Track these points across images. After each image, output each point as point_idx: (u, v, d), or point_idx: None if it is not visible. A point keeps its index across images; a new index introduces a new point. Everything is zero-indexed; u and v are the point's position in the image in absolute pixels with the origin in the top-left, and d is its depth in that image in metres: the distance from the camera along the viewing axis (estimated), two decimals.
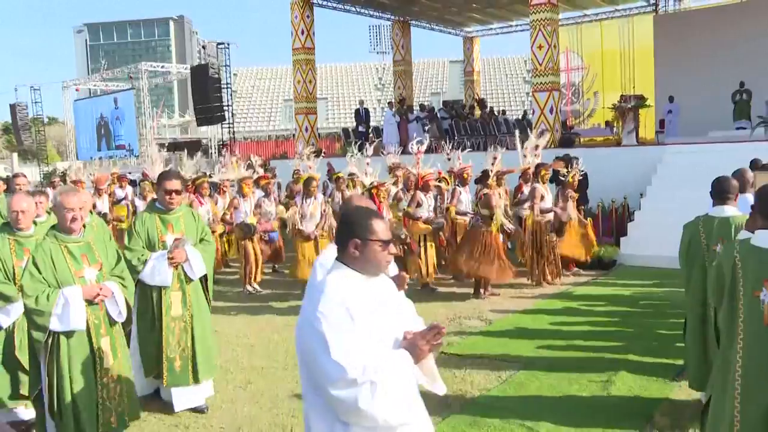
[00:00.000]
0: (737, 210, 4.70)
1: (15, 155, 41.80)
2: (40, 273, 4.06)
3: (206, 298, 5.47)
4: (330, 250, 3.30)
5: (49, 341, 4.08)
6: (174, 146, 32.60)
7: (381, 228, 2.58)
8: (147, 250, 5.22)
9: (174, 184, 5.32)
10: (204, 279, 5.42)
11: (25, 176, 8.34)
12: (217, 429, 5.06)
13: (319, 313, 2.37)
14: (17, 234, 4.75)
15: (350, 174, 11.03)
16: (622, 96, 16.83)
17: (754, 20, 19.82)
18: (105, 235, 5.33)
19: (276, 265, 11.65)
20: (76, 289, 4.12)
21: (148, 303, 5.26)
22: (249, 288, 10.08)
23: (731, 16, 20.51)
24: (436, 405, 5.28)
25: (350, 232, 2.56)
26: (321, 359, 2.34)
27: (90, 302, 4.16)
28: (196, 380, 5.28)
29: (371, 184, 9.33)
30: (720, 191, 4.72)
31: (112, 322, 4.33)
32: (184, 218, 5.46)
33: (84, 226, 4.36)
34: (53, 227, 4.30)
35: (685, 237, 4.95)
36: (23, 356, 4.65)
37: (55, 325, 4.03)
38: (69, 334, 4.10)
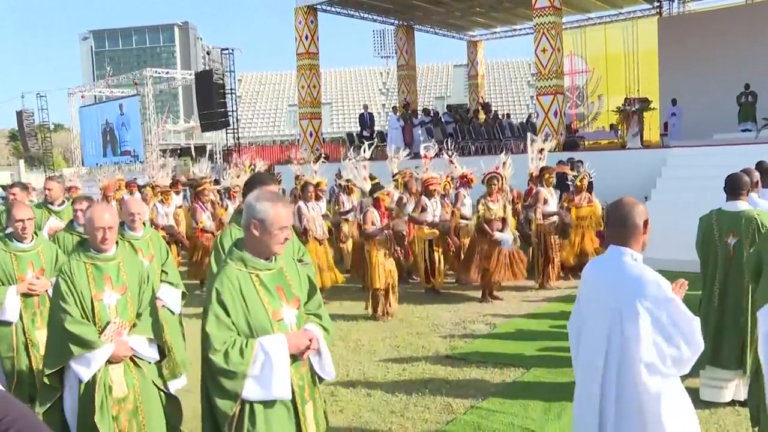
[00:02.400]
0: (749, 205, 5.01)
1: (21, 162, 41.99)
2: (228, 315, 2.84)
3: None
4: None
5: (236, 413, 2.86)
6: (177, 152, 32.70)
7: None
8: None
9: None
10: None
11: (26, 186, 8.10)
12: None
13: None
14: (96, 257, 3.73)
15: (347, 180, 11.10)
16: (626, 99, 16.83)
17: (758, 22, 19.79)
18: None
19: None
20: (280, 340, 2.89)
21: None
22: None
23: (735, 19, 20.49)
24: (441, 409, 5.29)
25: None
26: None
27: (293, 357, 2.94)
28: None
29: (373, 190, 9.32)
30: (733, 187, 5.02)
31: (315, 382, 3.14)
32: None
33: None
34: (238, 251, 3.02)
35: (700, 229, 5.26)
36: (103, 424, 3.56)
37: (251, 391, 2.83)
38: (268, 404, 2.88)
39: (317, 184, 10.85)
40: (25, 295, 4.85)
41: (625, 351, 2.80)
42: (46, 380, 3.64)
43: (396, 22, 24.97)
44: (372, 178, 9.85)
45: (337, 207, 11.83)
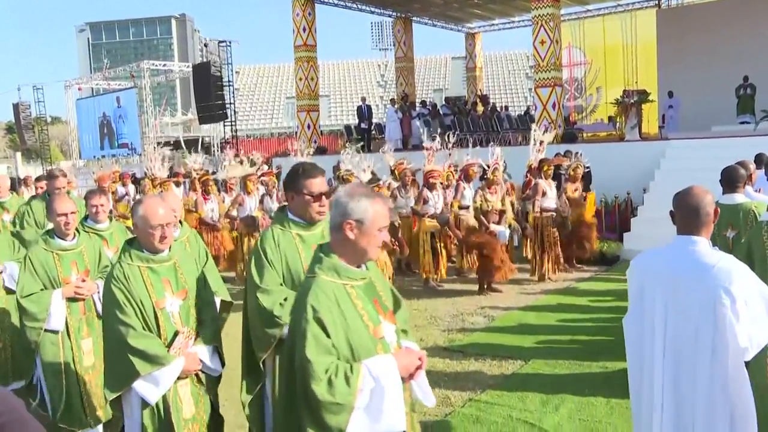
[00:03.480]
0: (745, 197, 5.00)
1: (18, 155, 41.85)
2: (328, 336, 2.43)
3: None
4: None
5: None
6: (173, 144, 32.61)
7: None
8: None
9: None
10: None
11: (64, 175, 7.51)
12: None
13: None
14: (152, 258, 3.29)
15: (347, 170, 11.07)
16: (624, 91, 16.82)
17: (757, 14, 19.74)
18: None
19: None
20: (389, 362, 2.51)
21: None
22: None
23: (735, 11, 20.42)
24: (439, 401, 5.28)
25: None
26: None
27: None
28: None
29: (369, 182, 9.31)
30: (729, 180, 5.00)
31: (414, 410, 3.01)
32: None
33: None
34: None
35: None
36: None
37: (359, 425, 2.48)
38: None
39: None
40: (70, 300, 4.39)
41: (721, 340, 2.76)
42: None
43: (394, 13, 24.88)
44: (372, 173, 9.85)
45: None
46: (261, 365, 3.40)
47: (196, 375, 3.32)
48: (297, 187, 3.38)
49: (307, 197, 3.36)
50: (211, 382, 3.43)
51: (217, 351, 3.42)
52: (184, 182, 13.01)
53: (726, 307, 2.73)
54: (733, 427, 2.80)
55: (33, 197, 7.74)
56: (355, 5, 23.21)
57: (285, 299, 3.25)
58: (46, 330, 4.27)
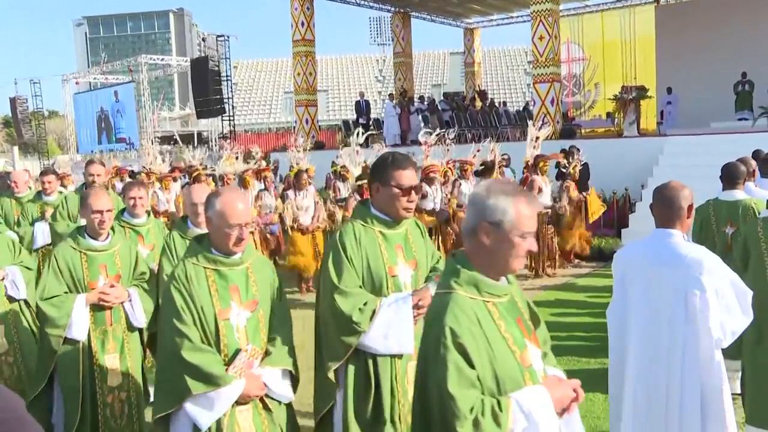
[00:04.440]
0: (745, 194, 5.01)
1: (15, 149, 41.76)
2: (472, 367, 2.06)
3: None
4: None
5: None
6: (170, 139, 32.56)
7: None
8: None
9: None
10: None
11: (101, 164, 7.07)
12: None
13: None
14: (223, 261, 2.88)
15: (342, 166, 11.08)
16: (623, 87, 16.78)
17: (756, 11, 19.73)
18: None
19: (276, 258, 11.64)
20: (542, 396, 2.16)
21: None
22: None
23: (733, 7, 20.40)
24: None
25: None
26: None
27: None
28: None
29: (359, 177, 9.31)
30: (730, 176, 5.02)
31: None
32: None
33: None
34: None
35: (697, 220, 5.21)
36: None
37: None
38: None
39: (305, 171, 10.83)
40: (95, 308, 3.86)
41: (691, 328, 2.90)
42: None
43: (392, 8, 24.84)
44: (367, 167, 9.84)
45: (333, 194, 11.81)
46: (332, 376, 3.04)
47: (261, 401, 2.86)
48: (384, 178, 3.02)
49: (395, 190, 3.00)
50: (280, 410, 2.95)
51: (290, 375, 2.97)
52: (183, 177, 12.98)
53: (696, 296, 2.87)
54: (704, 411, 2.94)
55: (38, 193, 7.45)
56: (353, 0, 23.15)
57: (365, 303, 2.95)
58: (66, 340, 3.79)
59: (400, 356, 3.05)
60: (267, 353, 2.89)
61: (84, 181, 6.52)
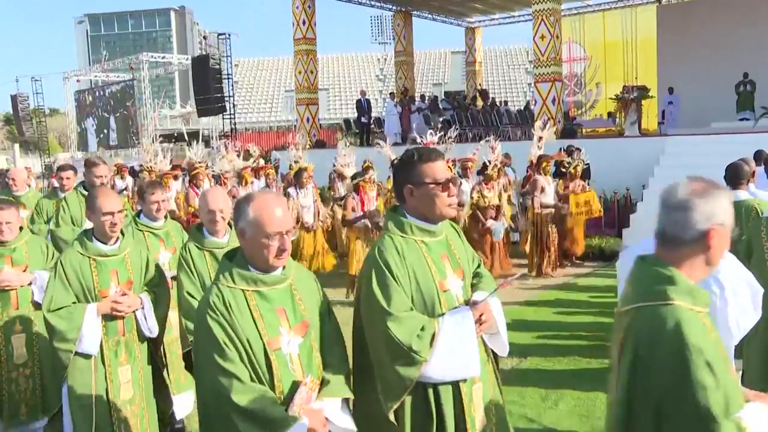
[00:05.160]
0: (748, 194, 5.04)
1: (16, 146, 41.79)
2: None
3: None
4: None
5: None
6: (171, 137, 32.55)
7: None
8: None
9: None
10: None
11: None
12: None
13: None
14: (263, 279, 2.45)
15: (341, 164, 11.10)
16: (624, 87, 16.78)
17: (758, 11, 19.72)
18: None
19: None
20: None
21: None
22: None
23: (735, 7, 20.39)
24: None
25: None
26: None
27: None
28: None
29: (354, 176, 9.34)
30: (733, 176, 5.04)
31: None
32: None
33: None
34: None
35: None
36: None
37: None
38: None
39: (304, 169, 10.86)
40: (106, 317, 3.61)
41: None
42: None
43: (393, 7, 24.81)
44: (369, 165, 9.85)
45: (332, 192, 11.82)
46: (392, 417, 2.61)
47: None
48: (415, 177, 2.66)
49: (432, 186, 2.65)
50: None
51: (347, 403, 2.58)
52: (183, 175, 12.97)
53: (716, 295, 2.87)
54: None
55: (54, 190, 6.97)
56: None
57: (422, 328, 2.56)
58: (76, 353, 3.53)
59: (464, 380, 2.69)
60: (324, 381, 2.49)
61: (82, 181, 6.07)
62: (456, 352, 2.59)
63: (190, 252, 3.94)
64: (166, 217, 4.73)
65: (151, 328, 3.74)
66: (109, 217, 3.56)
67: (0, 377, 4.51)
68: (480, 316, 2.68)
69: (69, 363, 3.53)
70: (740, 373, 4.61)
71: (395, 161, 2.88)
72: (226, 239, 3.98)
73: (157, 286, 3.85)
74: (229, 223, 3.95)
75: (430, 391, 2.63)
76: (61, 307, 3.52)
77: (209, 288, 2.45)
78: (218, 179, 11.82)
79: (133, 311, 3.66)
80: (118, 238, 3.71)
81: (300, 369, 2.42)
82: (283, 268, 2.48)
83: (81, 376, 3.55)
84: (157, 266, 3.99)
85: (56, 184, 6.84)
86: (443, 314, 2.63)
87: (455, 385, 2.66)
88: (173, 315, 4.19)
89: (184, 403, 4.58)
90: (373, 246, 2.71)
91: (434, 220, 2.73)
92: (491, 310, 2.74)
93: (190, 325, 3.59)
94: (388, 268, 2.58)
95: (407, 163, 2.71)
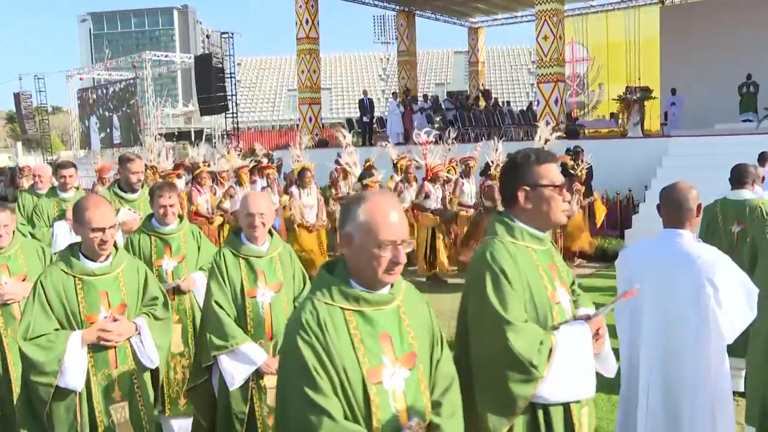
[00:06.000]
0: (753, 194, 5.10)
1: (19, 144, 41.89)
2: None
3: None
4: None
5: None
6: (173, 136, 32.61)
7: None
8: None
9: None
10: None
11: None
12: None
13: None
14: (368, 298, 2.03)
15: (347, 163, 11.10)
16: (627, 87, 16.77)
17: (761, 12, 19.68)
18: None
19: None
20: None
21: None
22: None
23: (738, 8, 20.36)
24: None
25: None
26: None
27: None
28: None
29: (362, 176, 9.33)
30: (738, 176, 5.11)
31: None
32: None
33: None
34: None
35: (704, 219, 5.26)
36: None
37: None
38: None
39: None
40: (94, 347, 3.09)
41: (704, 327, 2.96)
42: None
43: (396, 7, 24.81)
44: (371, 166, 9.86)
45: (334, 192, 11.83)
46: None
47: None
48: (530, 178, 2.50)
49: (549, 190, 2.48)
50: None
51: None
52: (187, 174, 12.99)
53: (710, 297, 2.91)
54: (714, 407, 3.01)
55: (52, 189, 6.31)
56: None
57: (541, 342, 2.36)
58: (58, 389, 3.03)
59: (577, 401, 2.49)
60: (432, 426, 2.08)
61: (117, 179, 5.53)
62: (573, 369, 2.39)
63: (224, 258, 3.53)
64: (181, 218, 4.37)
65: (152, 357, 3.25)
66: (99, 234, 3.05)
67: (3, 401, 3.96)
68: (597, 330, 2.53)
69: (48, 398, 3.03)
70: (743, 372, 4.62)
71: (511, 160, 2.60)
72: (265, 247, 3.56)
73: (156, 308, 3.36)
74: (270, 231, 3.63)
75: (540, 412, 2.41)
76: (41, 335, 3.01)
77: (302, 304, 2.06)
78: (215, 178, 11.84)
79: (127, 338, 3.18)
80: (110, 253, 3.21)
81: (404, 407, 2.02)
82: (391, 286, 2.08)
83: (65, 417, 3.07)
84: (159, 286, 3.52)
85: (55, 183, 6.35)
86: (556, 327, 2.44)
87: (566, 408, 2.45)
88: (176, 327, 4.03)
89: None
90: (481, 250, 2.50)
91: (545, 225, 2.55)
92: (605, 327, 2.54)
93: (216, 340, 3.37)
94: (503, 274, 2.38)
95: (523, 163, 2.52)
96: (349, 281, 2.04)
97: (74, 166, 6.29)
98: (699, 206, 3.11)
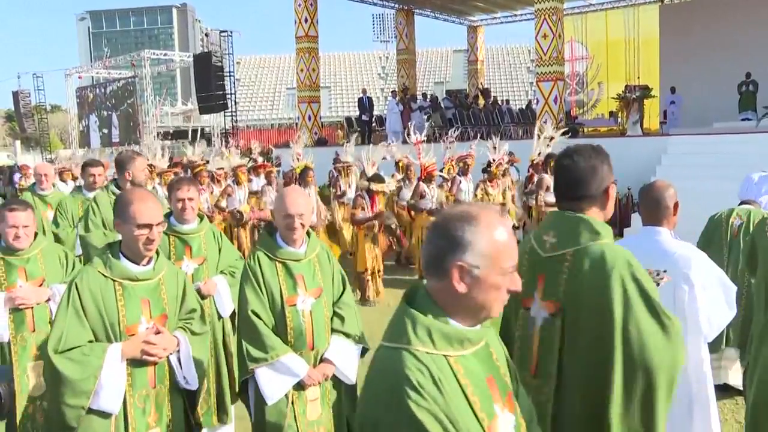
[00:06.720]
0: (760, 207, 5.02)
1: (18, 143, 41.82)
2: None
3: None
4: None
5: None
6: (173, 135, 32.58)
7: None
8: None
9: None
10: None
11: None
12: None
13: None
14: (468, 337, 1.62)
15: (345, 163, 11.08)
16: (626, 86, 16.77)
17: (760, 11, 19.67)
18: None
19: None
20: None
21: None
22: None
23: (738, 7, 20.34)
24: None
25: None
26: None
27: None
28: None
29: (373, 178, 9.31)
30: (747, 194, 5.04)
31: None
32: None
33: None
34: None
35: (709, 227, 5.26)
36: None
37: None
38: None
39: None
40: (133, 363, 2.68)
41: (680, 322, 2.96)
42: None
43: (395, 5, 24.80)
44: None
45: (334, 190, 11.80)
46: None
47: None
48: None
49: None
50: None
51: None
52: (184, 172, 12.99)
53: (685, 292, 2.95)
54: (691, 404, 3.03)
55: (78, 188, 5.99)
56: None
57: None
58: (90, 411, 2.61)
59: None
60: None
61: (114, 179, 5.18)
62: None
63: (259, 262, 3.14)
64: (201, 218, 4.06)
65: (189, 378, 2.86)
66: (146, 231, 2.68)
67: (14, 412, 3.58)
68: None
69: (77, 424, 2.58)
70: (743, 370, 4.59)
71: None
72: (303, 249, 3.18)
73: (193, 322, 2.99)
74: (308, 232, 3.24)
75: None
76: (73, 347, 2.59)
77: (397, 356, 1.55)
78: (212, 177, 11.82)
79: (168, 355, 2.81)
80: (153, 257, 2.82)
81: None
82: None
83: None
84: (197, 296, 3.20)
85: (81, 181, 5.95)
86: None
87: None
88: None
89: None
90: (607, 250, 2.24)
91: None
92: None
93: (253, 352, 3.02)
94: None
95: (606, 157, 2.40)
96: (447, 319, 1.61)
97: (102, 164, 5.95)
98: (676, 204, 3.17)
